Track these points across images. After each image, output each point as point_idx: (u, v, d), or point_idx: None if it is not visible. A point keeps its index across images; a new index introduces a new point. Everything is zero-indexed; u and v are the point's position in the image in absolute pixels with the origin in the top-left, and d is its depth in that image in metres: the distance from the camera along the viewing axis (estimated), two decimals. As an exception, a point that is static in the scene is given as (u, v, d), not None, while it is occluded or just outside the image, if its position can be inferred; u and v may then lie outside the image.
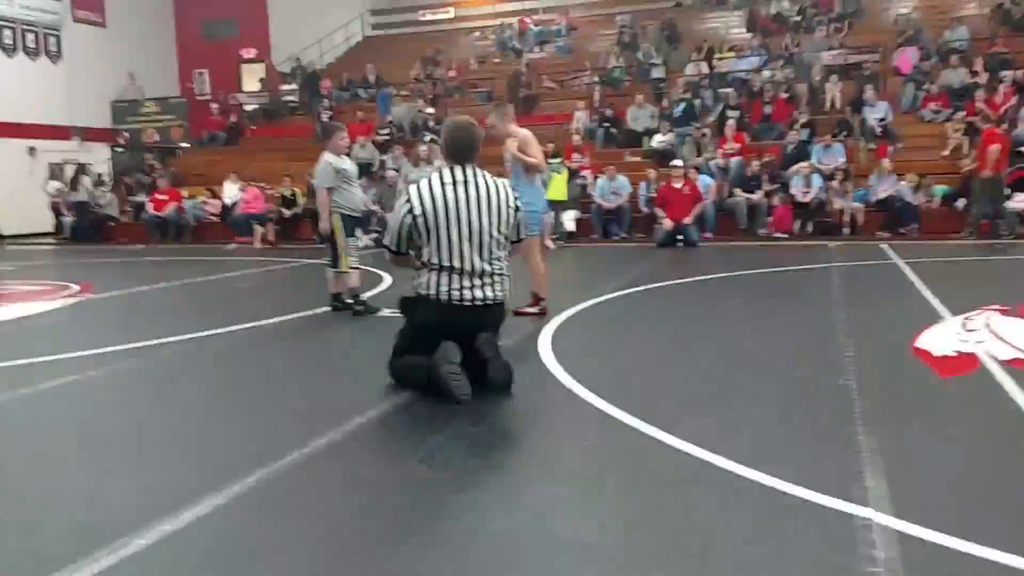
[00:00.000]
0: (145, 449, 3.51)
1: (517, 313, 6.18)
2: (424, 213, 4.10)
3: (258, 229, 15.54)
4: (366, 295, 6.95)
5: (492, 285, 4.20)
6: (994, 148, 11.80)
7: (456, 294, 4.12)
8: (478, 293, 4.15)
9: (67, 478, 3.17)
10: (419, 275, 4.23)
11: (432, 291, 4.14)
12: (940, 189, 13.21)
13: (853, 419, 3.57)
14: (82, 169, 18.56)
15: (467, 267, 4.12)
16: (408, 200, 4.18)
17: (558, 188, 13.39)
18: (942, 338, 5.19)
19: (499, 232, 4.21)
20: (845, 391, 4.02)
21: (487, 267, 4.17)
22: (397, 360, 4.32)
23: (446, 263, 4.12)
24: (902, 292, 7.36)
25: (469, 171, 4.23)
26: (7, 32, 19.76)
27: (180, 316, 7.28)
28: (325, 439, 3.45)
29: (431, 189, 4.15)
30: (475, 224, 4.12)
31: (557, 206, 13.02)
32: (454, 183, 4.16)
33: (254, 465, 3.12)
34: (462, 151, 4.28)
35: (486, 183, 4.23)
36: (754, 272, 8.97)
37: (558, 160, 14.01)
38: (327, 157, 6.79)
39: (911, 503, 2.68)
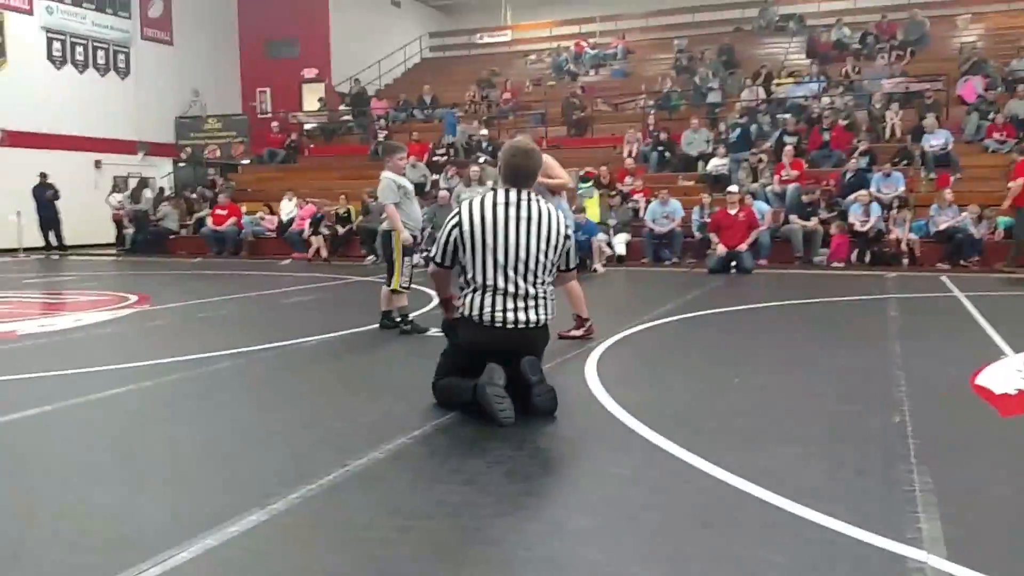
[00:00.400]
0: (188, 463, 3.54)
1: (563, 336, 6.16)
2: (472, 229, 4.09)
3: (314, 240, 15.80)
4: (414, 314, 6.97)
5: (536, 308, 4.15)
6: (1018, 182, 11.47)
7: (499, 316, 4.09)
8: (520, 316, 4.11)
9: (109, 490, 3.19)
10: (462, 296, 4.22)
11: (475, 312, 4.11)
12: (1004, 221, 12.85)
13: (907, 457, 3.45)
14: (144, 182, 19.06)
15: (510, 288, 4.09)
16: (458, 214, 4.19)
17: (591, 211, 13.39)
18: (1004, 375, 5.01)
19: (546, 257, 4.16)
20: (898, 428, 3.89)
21: (531, 289, 4.13)
22: (440, 381, 4.31)
23: (489, 283, 4.09)
24: (962, 326, 7.15)
25: (523, 194, 4.21)
26: (79, 49, 20.45)
27: (232, 330, 7.39)
28: (366, 458, 3.44)
29: (482, 207, 4.15)
30: (522, 246, 4.09)
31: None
32: (506, 204, 4.15)
33: (295, 483, 3.12)
34: (517, 176, 4.25)
35: (539, 207, 4.20)
36: (809, 302, 8.80)
37: (588, 184, 13.95)
38: (388, 175, 6.85)
39: (967, 547, 2.57)
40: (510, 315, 4.10)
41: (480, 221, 4.10)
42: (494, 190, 4.34)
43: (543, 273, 4.18)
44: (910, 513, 2.84)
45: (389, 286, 6.87)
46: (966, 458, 3.54)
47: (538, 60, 25.90)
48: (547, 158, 6.26)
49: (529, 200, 4.21)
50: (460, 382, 4.14)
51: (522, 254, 4.09)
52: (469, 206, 4.20)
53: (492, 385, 3.92)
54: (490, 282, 4.10)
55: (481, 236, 4.09)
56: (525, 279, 4.11)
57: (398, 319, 6.85)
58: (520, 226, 4.12)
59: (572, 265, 4.47)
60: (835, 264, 12.85)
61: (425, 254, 8.51)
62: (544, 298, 4.21)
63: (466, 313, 4.16)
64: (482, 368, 4.00)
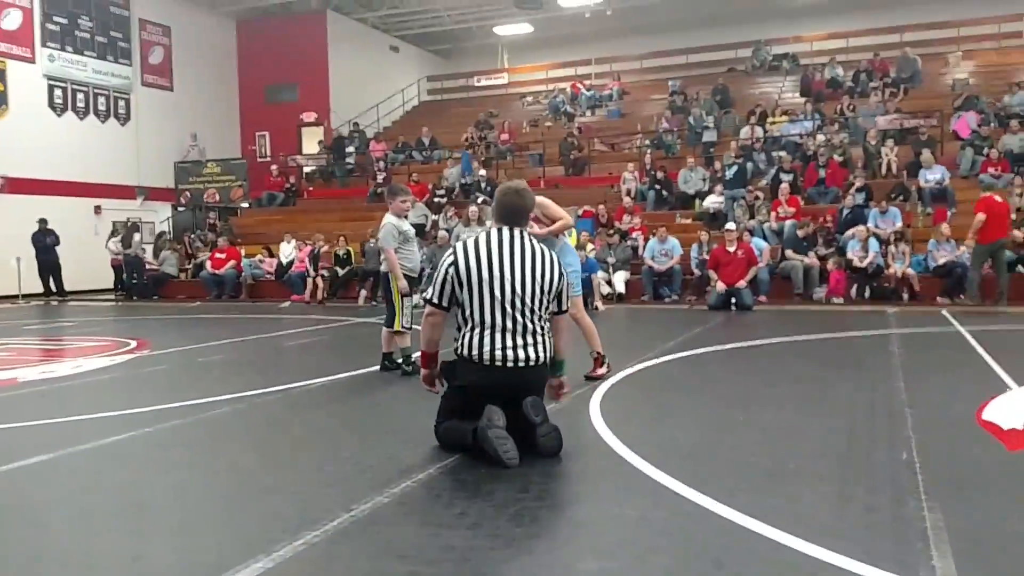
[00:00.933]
0: (191, 510, 3.51)
1: (589, 378, 6.14)
2: (468, 266, 4.10)
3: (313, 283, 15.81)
4: (416, 355, 6.93)
5: (535, 346, 4.13)
6: (979, 217, 11.59)
7: (499, 354, 4.06)
8: (520, 353, 4.08)
9: (113, 539, 3.16)
10: (459, 336, 4.18)
11: (474, 351, 4.08)
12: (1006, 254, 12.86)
13: (917, 494, 3.42)
14: (135, 227, 19.08)
15: (508, 324, 4.07)
16: (453, 253, 4.20)
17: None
18: (1010, 409, 4.99)
19: (542, 292, 4.15)
20: (907, 464, 3.86)
21: (529, 325, 4.11)
22: (442, 424, 4.28)
23: (487, 319, 4.07)
24: (965, 361, 7.13)
25: (516, 232, 4.24)
26: (80, 96, 20.63)
27: (232, 374, 7.35)
28: (370, 503, 3.40)
29: (476, 246, 4.17)
30: (518, 281, 4.09)
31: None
32: (500, 241, 4.17)
33: (299, 529, 3.08)
34: (511, 214, 4.29)
35: (531, 245, 4.23)
36: (810, 338, 8.79)
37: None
38: (390, 219, 6.87)
39: (981, 585, 2.54)
40: (510, 352, 4.07)
41: (475, 258, 4.11)
42: (488, 229, 4.37)
43: (540, 308, 4.16)
44: (923, 551, 2.82)
45: (390, 327, 6.86)
46: (976, 494, 3.51)
47: (535, 102, 26.17)
48: (543, 199, 6.22)
49: (522, 238, 4.23)
50: (460, 425, 4.10)
51: (518, 289, 4.08)
52: (464, 245, 4.21)
53: (492, 427, 3.88)
54: (487, 319, 4.08)
55: (477, 272, 4.08)
56: (523, 314, 4.10)
57: (400, 360, 6.83)
58: (515, 261, 4.13)
59: (565, 308, 4.41)
60: (835, 300, 12.85)
61: (424, 295, 8.51)
62: (543, 335, 4.19)
63: (464, 353, 4.13)
64: (483, 410, 3.97)
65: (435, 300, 4.22)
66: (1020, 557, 2.83)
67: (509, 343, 4.07)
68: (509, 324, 4.08)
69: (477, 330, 4.10)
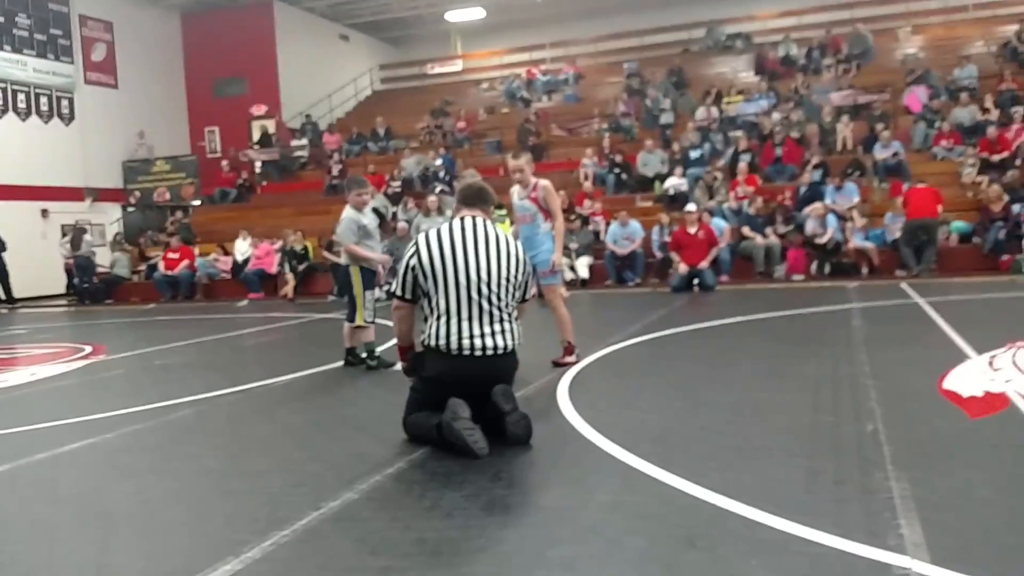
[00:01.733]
0: (155, 515, 3.42)
1: (557, 364, 6.14)
2: (431, 256, 4.10)
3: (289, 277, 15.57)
4: (380, 348, 6.88)
5: (503, 334, 4.11)
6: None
7: (467, 343, 4.03)
8: (488, 342, 4.06)
9: (76, 547, 3.08)
10: (426, 327, 4.15)
11: (441, 341, 4.05)
12: (957, 225, 13.12)
13: (883, 465, 3.45)
14: (82, 229, 18.62)
15: (474, 311, 4.05)
16: (415, 245, 4.19)
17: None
18: (970, 378, 5.07)
19: (507, 279, 4.15)
20: (872, 436, 3.90)
21: (495, 312, 4.10)
22: (409, 417, 4.23)
23: (453, 307, 4.05)
24: (925, 332, 7.24)
25: (479, 220, 4.24)
26: (21, 96, 20.06)
27: (192, 376, 7.21)
28: (340, 499, 3.35)
29: (439, 236, 4.16)
30: (483, 267, 4.09)
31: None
32: (463, 230, 4.18)
33: (268, 529, 3.03)
34: (473, 197, 4.32)
35: (496, 235, 4.22)
36: (773, 316, 8.86)
37: (503, 211, 13.94)
38: (348, 212, 6.77)
39: (949, 550, 2.58)
40: (477, 341, 4.04)
41: (439, 247, 4.11)
42: (450, 219, 4.38)
43: (506, 296, 4.15)
44: (891, 520, 2.84)
45: (351, 322, 6.78)
46: (941, 462, 3.56)
47: (490, 88, 26.05)
48: (549, 186, 6.33)
49: (486, 225, 4.24)
50: (426, 419, 4.05)
51: (483, 275, 4.08)
52: (426, 236, 4.21)
53: (458, 419, 3.84)
54: (453, 306, 4.05)
55: (440, 261, 4.07)
56: (489, 301, 4.08)
57: (363, 355, 6.76)
58: (479, 249, 4.13)
59: (527, 296, 4.44)
60: (795, 277, 12.98)
61: (387, 287, 8.46)
62: (510, 323, 4.17)
63: (432, 343, 4.09)
64: (467, 386, 3.97)
65: (399, 293, 4.23)
66: (986, 523, 2.86)
67: (476, 331, 4.04)
68: (475, 311, 4.05)
69: (443, 319, 4.06)
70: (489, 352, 4.06)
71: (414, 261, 4.12)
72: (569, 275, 13.61)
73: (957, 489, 3.20)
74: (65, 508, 3.57)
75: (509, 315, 4.17)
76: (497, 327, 4.09)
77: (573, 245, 14.38)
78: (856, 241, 13.12)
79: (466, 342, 4.03)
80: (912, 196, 12.85)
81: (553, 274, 6.36)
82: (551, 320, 6.47)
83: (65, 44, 21.20)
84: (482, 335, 4.05)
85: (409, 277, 4.15)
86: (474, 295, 4.05)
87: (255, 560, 2.78)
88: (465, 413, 3.88)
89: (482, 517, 3.11)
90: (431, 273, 4.08)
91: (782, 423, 4.32)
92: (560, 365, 6.19)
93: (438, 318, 4.08)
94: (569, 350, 6.34)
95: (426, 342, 4.13)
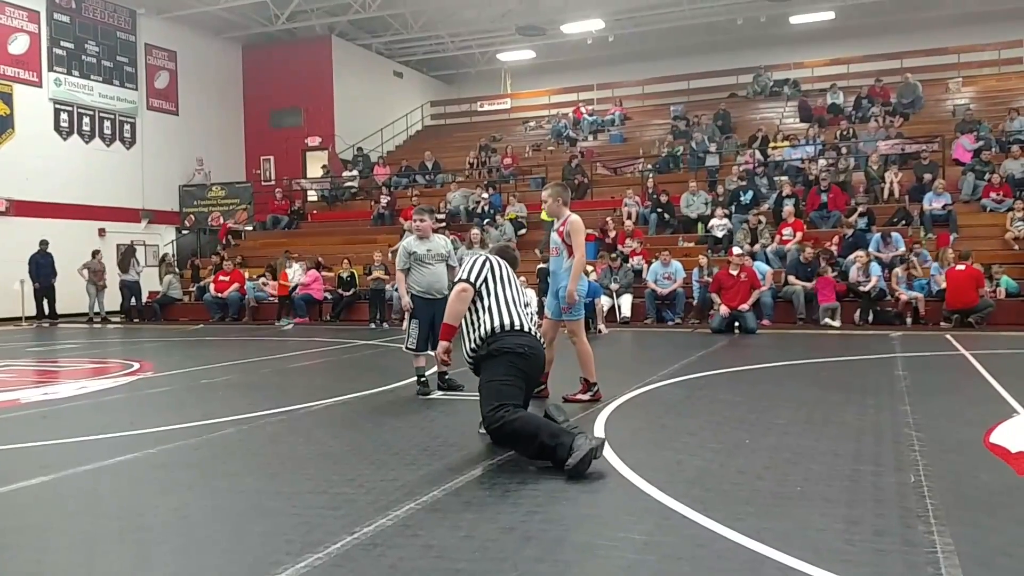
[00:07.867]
0: (193, 531, 3.48)
1: (568, 400, 6.12)
2: (493, 269, 5.11)
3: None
4: (429, 372, 6.95)
5: (530, 324, 5.05)
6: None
7: (520, 321, 4.88)
8: (527, 324, 4.95)
9: (114, 560, 3.14)
10: (481, 324, 4.85)
11: (506, 319, 4.85)
12: (1006, 280, 12.88)
13: (926, 518, 3.39)
14: (131, 250, 19.08)
15: (519, 306, 5.04)
16: (487, 257, 5.20)
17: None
18: (1018, 433, 4.95)
19: (524, 309, 5.11)
20: (915, 488, 3.83)
21: (523, 311, 5.08)
22: (501, 415, 4.39)
23: (510, 299, 4.99)
24: (971, 384, 7.10)
25: (507, 265, 5.30)
26: (86, 119, 20.75)
27: (236, 396, 7.32)
28: (373, 526, 3.38)
29: (494, 260, 5.21)
30: (518, 296, 5.09)
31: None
32: (501, 266, 5.22)
33: (303, 552, 3.06)
34: (503, 255, 5.42)
35: (515, 277, 5.31)
36: (814, 361, 8.75)
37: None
38: (403, 241, 7.27)
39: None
40: (526, 322, 4.94)
41: (498, 266, 5.17)
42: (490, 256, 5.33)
43: (523, 308, 5.12)
44: (933, 575, 2.78)
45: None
46: (987, 517, 3.48)
47: (537, 126, 26.28)
48: (578, 223, 6.30)
49: (510, 269, 5.35)
50: (536, 425, 4.30)
51: (518, 299, 5.10)
52: (488, 256, 5.24)
53: (583, 435, 4.18)
54: (510, 296, 5.01)
55: (500, 275, 5.11)
56: (521, 317, 4.99)
57: (421, 378, 6.85)
58: (514, 282, 5.21)
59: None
60: (830, 323, 12.82)
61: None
62: (529, 321, 5.10)
63: (498, 325, 4.82)
64: (526, 384, 4.71)
65: (470, 279, 5.01)
66: (1032, 581, 2.79)
67: (522, 316, 4.95)
68: (518, 306, 5.01)
69: (503, 307, 4.90)
70: (532, 330, 4.95)
71: (488, 265, 5.10)
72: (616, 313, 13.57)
73: (1002, 546, 3.12)
74: (105, 521, 3.65)
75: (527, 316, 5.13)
76: (527, 320, 5.01)
77: (614, 285, 14.37)
78: (902, 291, 12.93)
79: (520, 320, 4.91)
80: (951, 280, 12.39)
81: (571, 309, 6.29)
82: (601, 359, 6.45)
83: (130, 71, 21.94)
84: (522, 319, 4.95)
85: (485, 270, 5.06)
86: (513, 310, 4.97)
87: (290, 581, 2.81)
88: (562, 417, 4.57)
89: (517, 550, 3.11)
90: (493, 279, 5.04)
91: (821, 470, 4.26)
92: (571, 401, 6.16)
93: (498, 305, 4.90)
94: (584, 387, 6.32)
95: (491, 331, 4.80)
